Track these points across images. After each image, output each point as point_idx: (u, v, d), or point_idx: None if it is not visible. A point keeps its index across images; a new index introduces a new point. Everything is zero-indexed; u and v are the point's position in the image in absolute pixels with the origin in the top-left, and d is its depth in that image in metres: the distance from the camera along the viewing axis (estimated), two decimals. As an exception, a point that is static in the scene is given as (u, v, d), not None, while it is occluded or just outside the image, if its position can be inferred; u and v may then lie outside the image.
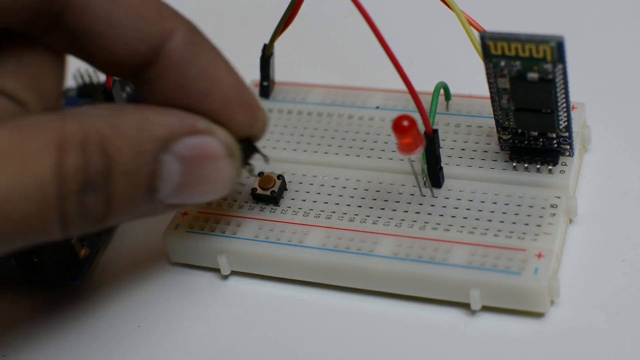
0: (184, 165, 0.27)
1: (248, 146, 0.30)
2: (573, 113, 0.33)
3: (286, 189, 0.34)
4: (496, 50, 0.29)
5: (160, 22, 0.27)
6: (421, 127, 0.30)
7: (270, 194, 0.33)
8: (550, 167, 0.32)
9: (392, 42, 0.29)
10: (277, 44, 0.36)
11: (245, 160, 0.30)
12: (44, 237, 0.26)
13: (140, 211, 0.27)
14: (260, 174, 0.34)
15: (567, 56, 0.28)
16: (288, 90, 0.37)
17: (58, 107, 0.28)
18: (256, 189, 0.33)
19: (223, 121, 0.28)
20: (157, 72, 0.28)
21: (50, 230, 0.26)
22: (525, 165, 0.32)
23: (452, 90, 0.35)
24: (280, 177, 0.33)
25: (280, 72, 0.38)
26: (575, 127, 0.32)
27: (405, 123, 0.29)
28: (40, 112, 0.27)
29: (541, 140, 0.32)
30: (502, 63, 0.29)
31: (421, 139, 0.29)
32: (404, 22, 0.41)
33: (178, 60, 0.28)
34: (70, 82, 0.39)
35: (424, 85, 0.33)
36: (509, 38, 0.28)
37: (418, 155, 0.31)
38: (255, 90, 0.37)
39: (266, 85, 0.37)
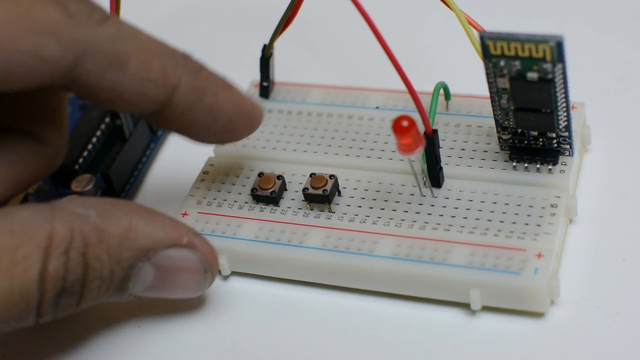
0: (158, 272, 0.29)
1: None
2: (573, 112, 0.33)
3: (286, 189, 0.34)
4: (495, 50, 0.29)
5: (165, 81, 0.28)
6: (421, 127, 0.30)
7: (270, 194, 0.33)
8: (550, 167, 0.32)
9: (391, 41, 0.29)
10: (277, 44, 0.36)
11: None
12: (15, 328, 0.27)
13: (108, 300, 0.29)
14: (260, 174, 0.34)
15: (567, 56, 0.28)
16: (288, 91, 0.37)
17: (66, 130, 0.31)
18: (256, 189, 0.33)
19: (228, 136, 0.31)
20: (167, 116, 0.29)
21: (23, 325, 0.27)
22: (525, 165, 0.32)
23: (451, 90, 0.35)
24: (280, 177, 0.33)
25: (280, 72, 0.38)
26: (575, 127, 0.32)
27: (405, 123, 0.29)
28: (32, 207, 0.27)
29: (541, 140, 0.32)
30: (502, 63, 0.29)
31: (421, 139, 0.29)
32: (404, 22, 0.41)
33: (184, 109, 0.29)
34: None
35: (424, 85, 0.33)
36: (508, 38, 0.28)
37: (418, 155, 0.31)
38: (255, 91, 0.37)
39: (266, 86, 0.37)
